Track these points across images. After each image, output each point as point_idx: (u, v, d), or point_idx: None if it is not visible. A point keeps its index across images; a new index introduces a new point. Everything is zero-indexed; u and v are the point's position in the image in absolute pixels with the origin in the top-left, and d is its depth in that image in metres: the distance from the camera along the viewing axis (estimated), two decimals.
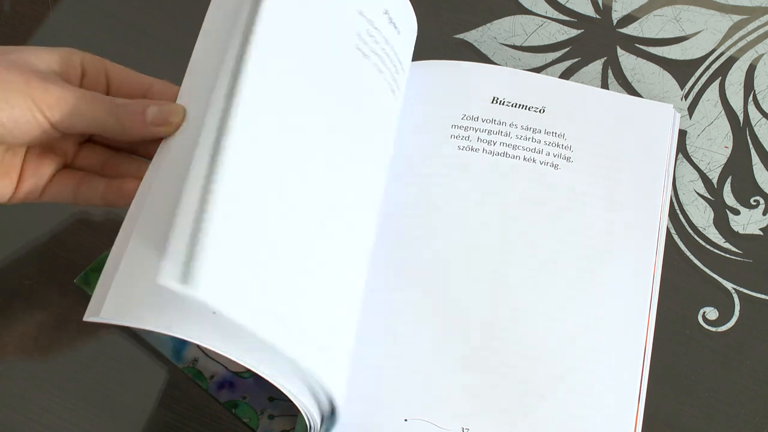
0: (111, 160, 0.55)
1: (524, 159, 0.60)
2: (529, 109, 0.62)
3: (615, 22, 0.69)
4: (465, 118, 0.61)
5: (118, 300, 0.46)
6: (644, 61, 0.68)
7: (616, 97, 0.63)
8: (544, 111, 0.62)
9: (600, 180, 0.60)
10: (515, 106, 0.62)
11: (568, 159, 0.61)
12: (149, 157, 0.54)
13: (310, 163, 0.51)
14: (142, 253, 0.47)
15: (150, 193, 0.49)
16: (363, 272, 0.54)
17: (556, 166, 0.60)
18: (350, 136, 0.54)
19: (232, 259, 0.45)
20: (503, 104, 0.62)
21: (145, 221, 0.48)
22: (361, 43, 0.56)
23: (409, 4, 0.61)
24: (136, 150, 0.55)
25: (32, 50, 0.52)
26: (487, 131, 0.61)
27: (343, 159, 0.54)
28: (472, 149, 0.60)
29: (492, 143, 0.61)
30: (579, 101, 0.62)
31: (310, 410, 0.49)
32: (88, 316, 0.47)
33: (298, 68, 0.52)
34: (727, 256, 0.61)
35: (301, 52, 0.52)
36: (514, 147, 0.61)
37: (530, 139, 0.61)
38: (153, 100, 0.52)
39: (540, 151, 0.61)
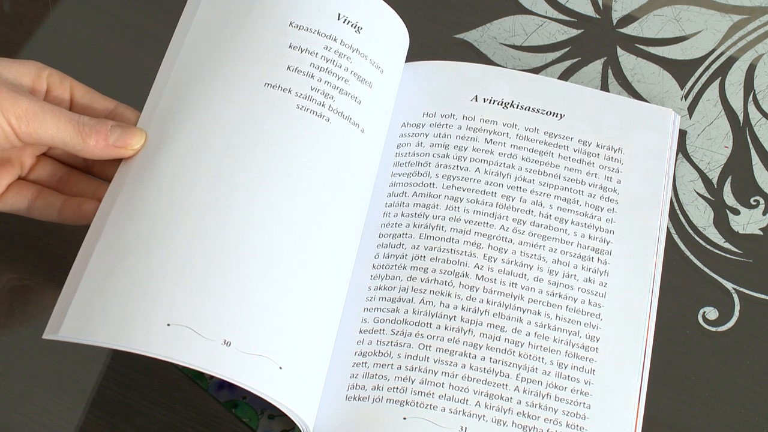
0: (67, 177, 0.56)
1: (522, 158, 0.60)
2: (527, 109, 0.62)
3: (615, 22, 0.69)
4: (465, 118, 0.61)
5: (78, 319, 0.49)
6: (644, 61, 0.68)
7: (616, 99, 0.63)
8: (542, 112, 0.62)
9: (600, 182, 0.60)
10: (517, 107, 0.62)
11: (569, 159, 0.60)
12: (103, 177, 0.56)
13: (249, 189, 0.53)
14: (100, 277, 0.50)
15: (109, 216, 0.52)
16: (339, 285, 0.55)
17: (556, 167, 0.60)
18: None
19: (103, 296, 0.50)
20: (505, 106, 0.62)
21: (104, 245, 0.51)
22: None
23: (379, 4, 0.61)
24: (92, 168, 0.57)
25: (1, 62, 0.53)
26: (489, 131, 0.61)
27: (287, 179, 0.54)
28: (474, 149, 0.60)
29: (492, 143, 0.61)
30: (578, 102, 0.62)
31: (302, 419, 0.51)
32: (48, 335, 0.49)
33: (218, 102, 0.55)
34: (727, 256, 0.61)
35: (220, 92, 0.55)
36: (516, 147, 0.61)
37: (528, 139, 0.61)
38: (117, 122, 0.54)
39: (541, 152, 0.61)
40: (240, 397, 0.56)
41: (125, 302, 0.49)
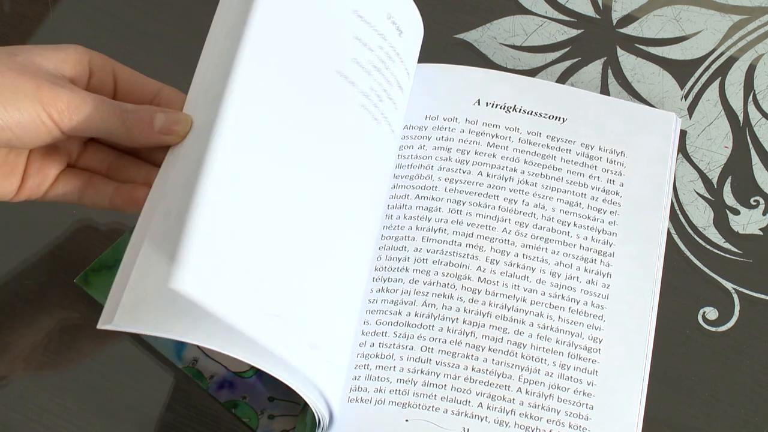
0: (117, 163, 0.55)
1: (524, 162, 0.60)
2: (529, 113, 0.62)
3: (615, 22, 0.69)
4: (467, 122, 0.61)
5: (131, 307, 0.46)
6: (644, 61, 0.68)
7: (618, 103, 0.63)
8: (544, 116, 0.62)
9: (603, 185, 0.60)
10: (519, 111, 0.62)
11: (571, 163, 0.61)
12: (153, 162, 0.54)
13: (302, 171, 0.51)
14: (153, 260, 0.47)
15: (160, 202, 0.49)
16: (362, 277, 0.55)
17: (558, 170, 0.60)
18: (339, 148, 0.54)
19: (230, 262, 0.46)
20: (507, 110, 0.62)
21: (156, 230, 0.48)
22: (354, 66, 0.55)
23: (415, 9, 0.60)
24: (140, 153, 0.55)
25: (40, 50, 0.51)
26: (491, 135, 0.61)
27: (334, 169, 0.53)
28: (476, 153, 0.60)
29: (494, 146, 0.61)
30: (581, 107, 0.62)
31: (322, 412, 0.50)
32: (102, 324, 0.47)
33: (285, 83, 0.52)
34: (727, 256, 0.61)
35: (287, 72, 0.52)
36: (519, 151, 0.61)
37: (530, 143, 0.61)
38: (161, 108, 0.52)
39: (543, 156, 0.61)
40: (240, 397, 0.56)
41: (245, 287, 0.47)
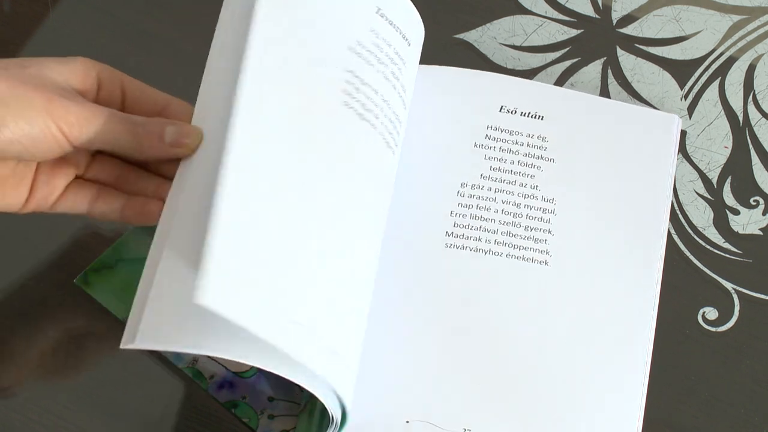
0: (125, 175, 0.55)
1: (521, 164, 0.61)
2: (533, 117, 0.62)
3: (615, 22, 0.69)
4: (489, 128, 0.62)
5: (153, 325, 0.46)
6: (644, 61, 0.68)
7: (620, 106, 0.63)
8: (544, 119, 0.62)
9: (603, 185, 0.60)
10: (522, 115, 0.62)
11: (574, 163, 0.61)
12: (162, 174, 0.54)
13: (313, 180, 0.51)
14: (174, 276, 0.47)
15: (175, 216, 0.49)
16: (370, 283, 0.55)
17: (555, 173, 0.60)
18: (342, 159, 0.54)
19: (252, 273, 0.46)
20: (512, 113, 0.62)
21: (174, 245, 0.48)
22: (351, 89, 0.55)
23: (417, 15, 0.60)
24: (149, 165, 0.55)
25: (49, 63, 0.51)
26: (499, 139, 0.61)
27: (342, 177, 0.53)
28: (497, 159, 0.61)
29: (507, 151, 0.61)
30: (581, 109, 0.62)
31: (335, 412, 0.50)
32: (125, 344, 0.47)
33: (289, 98, 0.52)
34: (727, 256, 0.61)
35: (292, 83, 0.52)
36: (523, 154, 0.61)
37: (533, 146, 0.61)
38: (171, 120, 0.52)
39: (543, 158, 0.61)
40: (240, 397, 0.56)
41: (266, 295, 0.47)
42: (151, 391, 0.57)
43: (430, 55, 0.63)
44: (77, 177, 0.54)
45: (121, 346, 0.46)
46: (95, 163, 0.55)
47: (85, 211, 0.54)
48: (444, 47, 0.68)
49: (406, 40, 0.58)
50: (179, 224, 0.49)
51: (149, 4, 0.69)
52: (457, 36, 0.69)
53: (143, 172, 0.55)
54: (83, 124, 0.49)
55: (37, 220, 0.57)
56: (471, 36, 0.69)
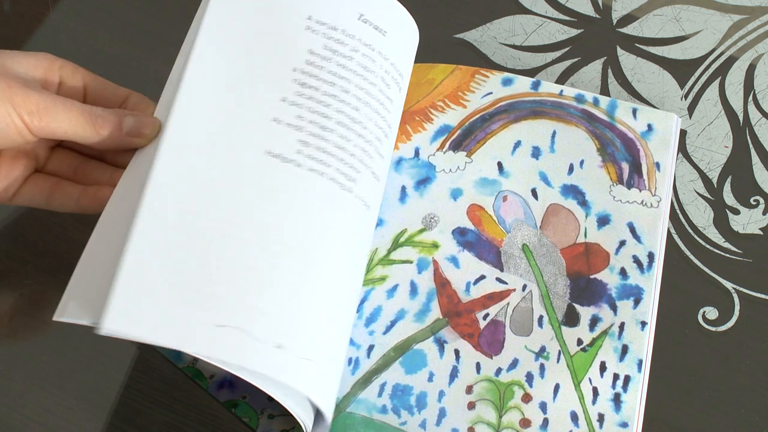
0: (83, 167, 0.56)
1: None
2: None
3: (615, 21, 0.69)
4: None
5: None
6: (644, 60, 0.68)
7: (620, 104, 0.63)
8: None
9: (601, 185, 0.60)
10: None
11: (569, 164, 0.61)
12: (119, 165, 0.56)
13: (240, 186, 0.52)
14: (100, 264, 0.49)
15: (118, 205, 0.51)
16: (344, 283, 0.54)
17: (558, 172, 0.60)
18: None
19: (156, 291, 0.48)
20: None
21: (103, 231, 0.50)
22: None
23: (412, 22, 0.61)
24: (106, 157, 0.57)
25: (12, 55, 0.53)
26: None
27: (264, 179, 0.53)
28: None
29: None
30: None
31: (296, 411, 0.50)
32: (57, 316, 0.48)
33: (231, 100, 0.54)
34: (727, 255, 0.61)
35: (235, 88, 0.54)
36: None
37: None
38: (130, 111, 0.54)
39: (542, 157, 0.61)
40: (240, 396, 0.56)
41: (176, 300, 0.48)
42: (152, 390, 0.57)
43: (430, 55, 0.63)
44: (36, 171, 0.55)
45: (54, 318, 0.48)
46: (54, 156, 0.56)
47: (44, 203, 0.55)
48: (444, 47, 0.68)
49: (379, 30, 0.58)
50: (112, 210, 0.51)
51: (149, 3, 0.69)
52: (457, 36, 0.69)
53: (100, 164, 0.57)
54: (43, 112, 0.50)
55: (35, 220, 0.57)
56: (471, 36, 0.69)
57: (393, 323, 0.56)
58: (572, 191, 0.59)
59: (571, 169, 0.60)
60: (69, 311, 0.48)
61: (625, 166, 0.60)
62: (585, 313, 0.56)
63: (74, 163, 0.56)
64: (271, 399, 0.56)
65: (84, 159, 0.57)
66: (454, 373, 0.55)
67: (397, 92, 0.59)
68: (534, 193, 0.59)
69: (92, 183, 0.56)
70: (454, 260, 0.58)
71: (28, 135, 0.51)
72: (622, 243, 0.58)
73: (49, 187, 0.55)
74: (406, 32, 0.61)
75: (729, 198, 0.63)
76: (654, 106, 0.65)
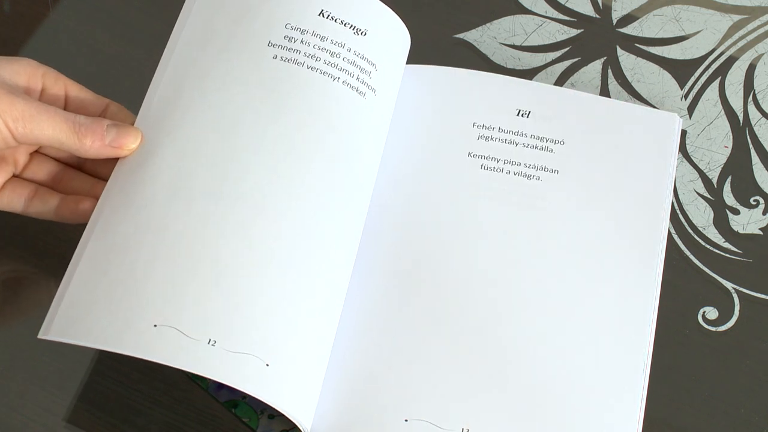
0: (62, 175, 0.57)
1: (525, 165, 0.61)
2: (541, 118, 0.62)
3: (615, 21, 0.69)
4: (479, 126, 0.61)
5: (68, 320, 0.50)
6: (644, 60, 0.68)
7: (620, 105, 0.63)
8: (547, 119, 0.62)
9: (603, 186, 0.60)
10: (520, 115, 0.62)
11: (572, 164, 0.61)
12: (98, 176, 0.56)
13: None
14: (89, 282, 0.51)
15: (99, 218, 0.52)
16: (322, 284, 0.54)
17: (556, 171, 0.60)
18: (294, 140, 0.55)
19: (99, 296, 0.50)
20: (522, 115, 0.62)
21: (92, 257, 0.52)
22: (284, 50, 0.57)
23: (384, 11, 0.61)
24: (85, 166, 0.57)
25: None
26: (502, 140, 0.61)
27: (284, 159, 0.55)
28: (492, 169, 0.60)
29: (510, 153, 0.61)
30: (582, 109, 0.62)
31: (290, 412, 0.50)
32: (41, 335, 0.50)
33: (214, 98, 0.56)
34: (727, 255, 0.61)
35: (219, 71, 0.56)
36: (522, 154, 0.61)
37: (535, 147, 0.61)
38: (114, 121, 0.54)
39: (543, 158, 0.61)
40: (240, 397, 0.56)
41: (112, 303, 0.49)
42: (152, 391, 0.57)
43: (430, 55, 0.63)
44: (14, 176, 0.56)
45: (38, 336, 0.50)
46: (32, 162, 0.57)
47: (21, 209, 0.56)
48: (444, 47, 0.68)
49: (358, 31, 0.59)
50: (102, 224, 0.52)
51: (149, 3, 0.69)
52: (457, 36, 0.69)
53: (79, 173, 0.57)
54: (27, 119, 0.51)
55: (37, 222, 0.57)
56: (471, 36, 0.69)
57: None
58: None
59: None
60: (46, 329, 0.51)
61: None
62: None
63: (53, 170, 0.57)
64: None
65: (63, 167, 0.57)
66: None
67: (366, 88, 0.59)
68: None
69: (71, 192, 0.56)
70: None
71: (12, 141, 0.51)
72: None
73: (28, 194, 0.55)
74: (391, 32, 0.61)
75: (729, 198, 0.63)
76: (654, 106, 0.65)
